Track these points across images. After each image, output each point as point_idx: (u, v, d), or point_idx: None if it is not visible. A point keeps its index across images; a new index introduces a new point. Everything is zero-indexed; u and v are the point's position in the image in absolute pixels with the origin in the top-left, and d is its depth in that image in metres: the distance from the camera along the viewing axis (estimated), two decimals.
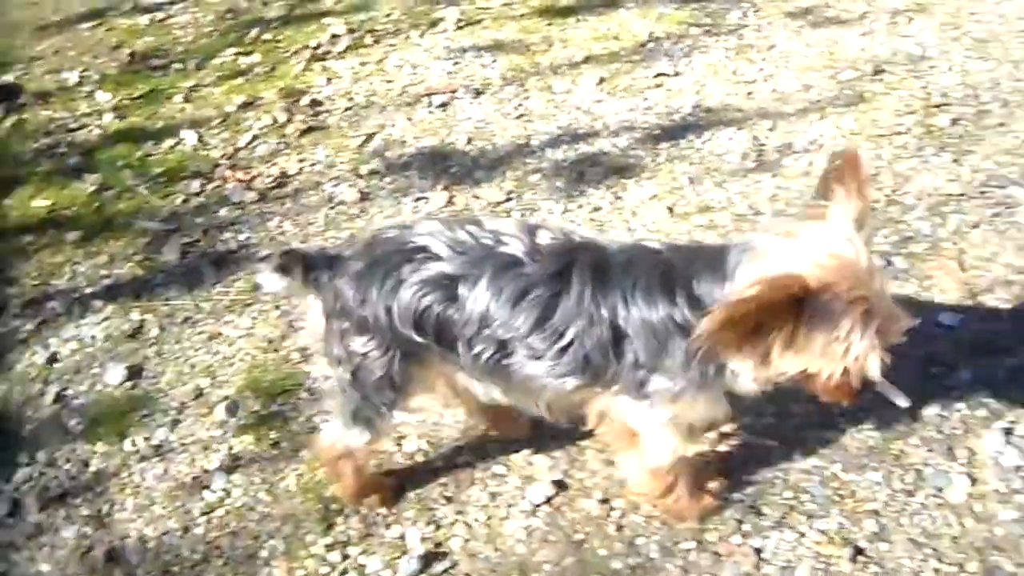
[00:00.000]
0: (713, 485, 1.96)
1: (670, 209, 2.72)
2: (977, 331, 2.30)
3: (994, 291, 2.40)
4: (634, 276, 1.61)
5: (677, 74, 3.30)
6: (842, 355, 1.47)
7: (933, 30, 3.47)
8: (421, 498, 2.06)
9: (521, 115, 3.17)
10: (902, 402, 1.84)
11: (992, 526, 1.92)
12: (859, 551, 1.89)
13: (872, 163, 2.74)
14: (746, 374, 1.60)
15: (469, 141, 3.08)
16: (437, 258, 1.63)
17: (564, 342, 1.62)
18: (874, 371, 1.49)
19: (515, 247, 1.65)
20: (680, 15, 3.64)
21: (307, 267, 1.72)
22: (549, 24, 3.69)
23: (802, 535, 1.93)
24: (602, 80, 3.30)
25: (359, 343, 1.70)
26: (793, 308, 1.44)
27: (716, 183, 2.75)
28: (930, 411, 2.12)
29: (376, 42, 3.72)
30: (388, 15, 3.90)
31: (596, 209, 2.77)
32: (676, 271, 1.60)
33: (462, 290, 1.62)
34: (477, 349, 1.65)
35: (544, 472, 2.07)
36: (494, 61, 3.48)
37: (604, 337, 1.61)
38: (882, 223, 2.57)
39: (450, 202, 2.82)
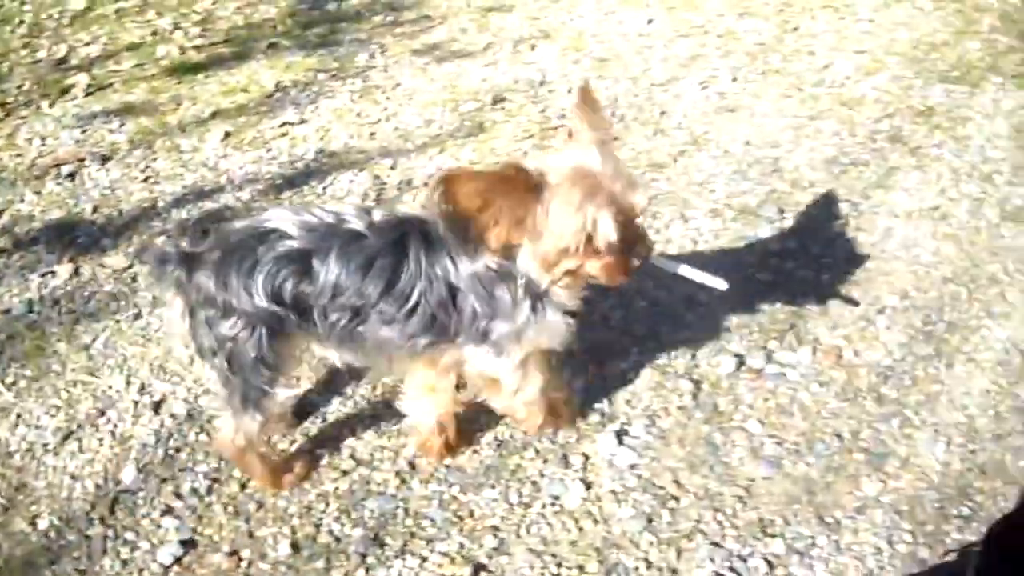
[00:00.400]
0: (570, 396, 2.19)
1: None
2: (590, 339, 2.35)
3: (605, 299, 2.42)
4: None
5: (303, 121, 3.20)
6: (579, 227, 1.63)
7: (555, 55, 3.50)
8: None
9: (148, 177, 3.03)
10: (720, 285, 1.89)
11: (610, 526, 1.99)
12: (480, 567, 1.92)
13: None
14: (536, 275, 1.77)
15: (95, 209, 2.92)
16: (289, 237, 1.72)
17: (411, 304, 1.76)
18: (609, 231, 1.64)
19: (356, 223, 1.76)
20: (309, 61, 3.55)
21: (163, 261, 1.78)
22: (179, 82, 3.54)
23: (424, 559, 1.94)
24: (228, 135, 3.16)
25: (226, 327, 1.75)
26: (525, 192, 1.64)
27: None
28: None
29: (7, 115, 3.47)
30: (20, 86, 3.65)
31: None
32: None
33: (315, 263, 1.72)
34: (333, 318, 1.76)
35: (172, 533, 1.99)
36: (123, 125, 3.32)
37: (443, 294, 1.75)
38: None
39: (76, 273, 2.65)
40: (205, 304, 1.77)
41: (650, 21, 3.85)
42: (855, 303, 2.55)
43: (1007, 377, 2.38)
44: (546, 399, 2.05)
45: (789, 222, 2.78)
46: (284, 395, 1.91)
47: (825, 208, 2.85)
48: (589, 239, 1.66)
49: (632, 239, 1.72)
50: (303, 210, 1.81)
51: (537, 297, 1.80)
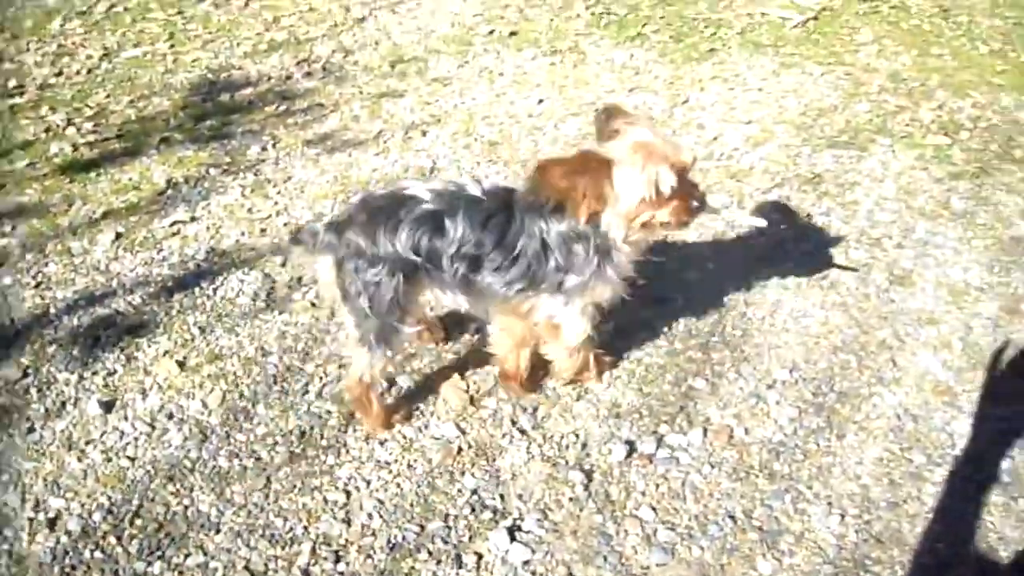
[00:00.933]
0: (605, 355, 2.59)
1: (181, 364, 2.59)
2: (477, 436, 2.39)
3: (492, 394, 2.49)
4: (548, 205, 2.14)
5: (194, 219, 3.18)
6: (646, 181, 2.12)
7: (446, 140, 3.53)
8: None
9: (40, 283, 2.97)
10: (759, 223, 2.46)
11: None
12: None
13: None
14: (617, 233, 2.23)
15: None
16: (424, 201, 2.17)
17: (514, 254, 2.20)
18: (669, 180, 2.13)
19: (474, 190, 2.23)
20: (201, 156, 3.53)
21: (314, 233, 2.24)
22: (71, 181, 3.51)
23: None
24: (119, 235, 3.11)
25: (371, 273, 2.17)
26: (599, 169, 2.14)
27: (227, 329, 2.66)
28: (435, 524, 2.19)
29: None
30: None
31: (111, 374, 2.62)
32: None
33: (446, 221, 2.16)
34: (456, 265, 2.19)
35: None
36: (14, 228, 3.25)
37: (538, 248, 2.19)
38: None
39: None
40: (354, 256, 2.17)
41: (541, 101, 3.88)
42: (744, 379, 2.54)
43: (900, 443, 2.41)
44: (586, 353, 2.45)
45: (679, 302, 2.80)
46: (410, 331, 2.29)
47: (714, 284, 2.88)
48: (656, 191, 2.11)
49: (688, 188, 2.19)
50: (431, 181, 2.30)
51: (603, 256, 2.23)
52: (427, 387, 2.48)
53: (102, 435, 2.37)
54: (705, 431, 2.40)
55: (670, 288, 2.85)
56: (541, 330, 2.36)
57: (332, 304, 2.42)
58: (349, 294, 2.21)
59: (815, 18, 4.97)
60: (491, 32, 4.62)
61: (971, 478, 2.30)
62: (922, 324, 2.82)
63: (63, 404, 2.47)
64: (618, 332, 2.65)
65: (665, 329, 2.68)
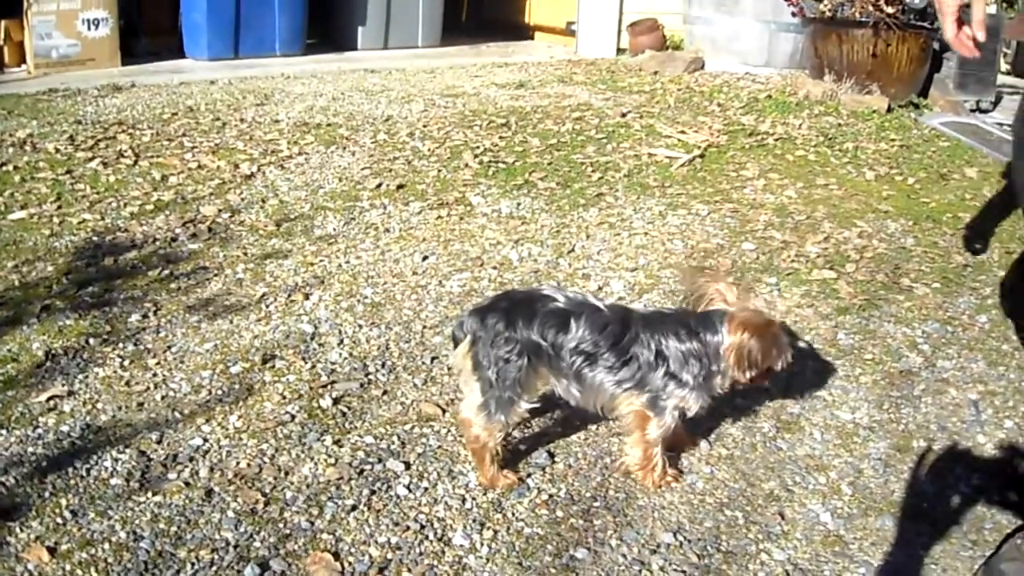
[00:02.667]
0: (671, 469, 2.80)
1: (52, 550, 2.48)
2: None
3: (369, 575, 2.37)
4: (669, 323, 2.63)
5: (71, 393, 3.09)
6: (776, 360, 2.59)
7: (329, 303, 3.49)
8: None
9: None
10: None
11: None
12: None
13: (255, 461, 2.60)
14: (727, 380, 2.66)
15: None
16: (556, 300, 2.57)
17: (627, 357, 2.56)
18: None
19: (599, 303, 2.61)
20: (81, 325, 3.45)
21: (461, 323, 2.65)
22: None
23: None
24: None
25: (504, 351, 2.52)
26: (768, 339, 2.51)
27: (99, 512, 2.55)
28: None
29: None
30: None
31: None
32: (690, 322, 2.62)
33: (571, 320, 2.54)
34: (573, 358, 2.55)
35: None
36: None
37: (651, 358, 2.56)
38: (261, 524, 2.52)
39: None
40: (492, 335, 2.51)
41: (425, 258, 3.89)
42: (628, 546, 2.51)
43: None
44: (658, 456, 2.72)
45: (560, 466, 2.77)
46: (525, 406, 2.61)
47: (595, 446, 2.87)
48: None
49: None
50: (566, 290, 2.76)
51: (709, 376, 2.60)
52: (298, 570, 2.39)
53: None
54: None
55: (554, 450, 2.83)
56: (629, 421, 2.66)
57: (459, 376, 2.70)
58: (480, 364, 2.53)
59: (701, 155, 5.07)
60: (378, 186, 4.65)
61: None
62: (810, 471, 2.82)
63: None
64: (496, 502, 2.60)
65: (547, 495, 2.64)
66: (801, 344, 3.37)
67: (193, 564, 2.38)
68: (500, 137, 5.56)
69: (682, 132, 5.74)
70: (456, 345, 2.61)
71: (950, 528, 2.62)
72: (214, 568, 2.36)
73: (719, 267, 2.81)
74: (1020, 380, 3.34)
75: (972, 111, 7.19)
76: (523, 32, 9.59)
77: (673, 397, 2.59)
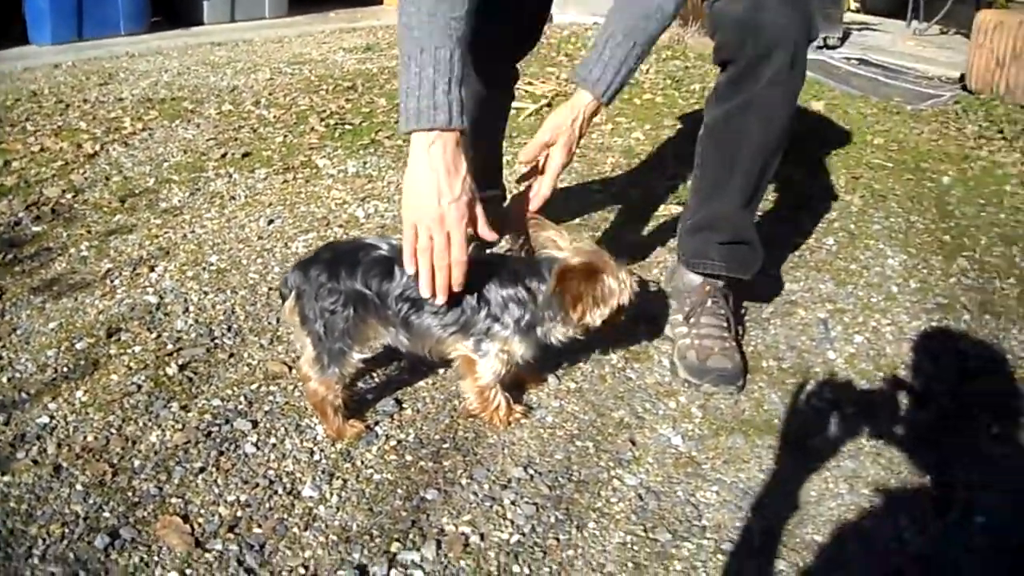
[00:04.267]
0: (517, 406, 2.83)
1: None
2: None
3: (218, 535, 2.39)
4: (494, 268, 2.59)
5: None
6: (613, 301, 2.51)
7: (174, 273, 3.47)
8: None
9: None
10: None
11: None
12: None
13: (101, 434, 2.59)
14: (567, 327, 2.62)
15: None
16: (380, 248, 2.52)
17: (452, 301, 2.47)
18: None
19: None
20: None
21: (285, 279, 2.62)
22: None
23: None
24: None
25: (328, 303, 2.47)
26: (596, 283, 2.44)
27: None
28: None
29: None
30: None
31: None
32: (516, 268, 2.60)
33: (395, 267, 2.47)
34: (400, 305, 2.51)
35: None
36: None
37: (474, 302, 2.52)
38: (110, 495, 2.51)
39: None
40: (314, 287, 2.47)
41: (271, 221, 3.88)
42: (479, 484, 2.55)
43: (643, 523, 2.44)
44: (498, 396, 2.73)
45: (408, 412, 2.83)
46: (358, 357, 2.58)
47: (443, 390, 2.92)
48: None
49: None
50: (390, 238, 2.60)
51: (533, 322, 2.56)
52: (148, 535, 2.37)
53: None
54: (439, 543, 2.36)
55: (401, 397, 2.86)
56: (459, 365, 2.66)
57: (292, 332, 2.79)
58: (307, 318, 2.50)
59: (548, 105, 5.10)
60: (223, 155, 4.61)
61: (719, 548, 2.35)
62: (660, 398, 2.90)
63: None
64: (345, 452, 2.62)
65: (395, 441, 2.67)
66: (648, 278, 3.42)
67: (44, 540, 2.37)
68: (347, 100, 5.56)
69: (529, 84, 5.77)
70: (284, 301, 2.60)
71: (799, 440, 2.75)
72: (65, 542, 2.35)
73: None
74: (868, 296, 3.46)
75: (819, 48, 7.34)
76: None
77: (496, 340, 2.57)
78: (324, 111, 5.36)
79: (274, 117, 5.28)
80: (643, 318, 3.19)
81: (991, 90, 6.09)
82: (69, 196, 4.20)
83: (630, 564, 2.33)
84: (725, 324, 2.78)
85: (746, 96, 2.60)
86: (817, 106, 5.67)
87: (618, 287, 2.49)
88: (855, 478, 2.63)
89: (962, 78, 6.56)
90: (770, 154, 2.61)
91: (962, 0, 8.47)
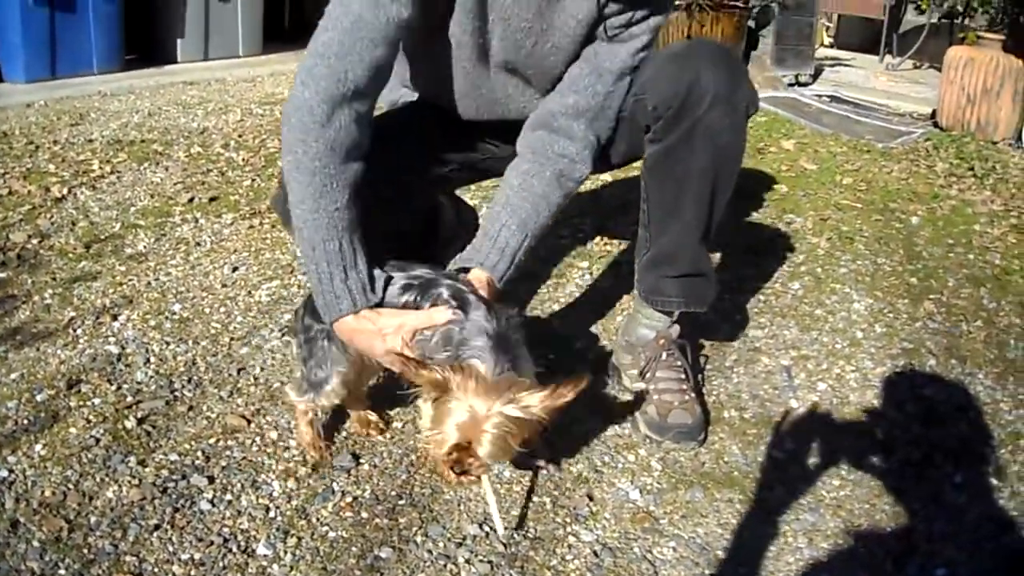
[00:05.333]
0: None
1: None
2: None
3: None
4: None
5: None
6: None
7: (136, 322, 3.47)
8: None
9: None
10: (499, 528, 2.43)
11: None
12: None
13: (59, 488, 2.59)
14: None
15: None
16: None
17: None
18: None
19: None
20: None
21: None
22: None
23: None
24: None
25: (315, 329, 2.52)
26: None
27: None
28: None
29: None
30: None
31: None
32: None
33: None
34: None
35: None
36: None
37: None
38: (66, 551, 2.50)
39: None
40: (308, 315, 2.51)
41: (235, 268, 3.88)
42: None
43: None
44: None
45: (365, 467, 2.83)
46: (332, 386, 2.61)
47: (400, 444, 2.94)
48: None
49: None
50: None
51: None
52: None
53: None
54: None
55: (359, 451, 2.88)
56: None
57: None
58: (298, 336, 2.62)
59: None
60: (190, 200, 4.62)
61: None
62: (619, 451, 2.88)
63: None
64: (301, 509, 2.64)
65: (351, 498, 2.67)
66: (613, 326, 3.43)
67: None
68: None
69: None
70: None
71: (760, 493, 2.76)
72: None
73: None
74: (833, 342, 3.47)
75: (791, 85, 7.42)
76: None
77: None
78: None
79: (243, 160, 5.29)
80: (602, 371, 3.17)
81: (962, 127, 6.16)
82: (35, 241, 4.20)
83: None
84: (683, 376, 2.76)
85: (686, 126, 2.50)
86: (787, 144, 5.71)
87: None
88: (814, 532, 2.63)
89: (933, 114, 6.61)
90: (719, 179, 2.52)
91: (935, 34, 8.56)
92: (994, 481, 2.78)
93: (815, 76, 7.98)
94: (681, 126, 2.51)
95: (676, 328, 3.05)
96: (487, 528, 2.58)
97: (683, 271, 2.72)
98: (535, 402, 2.06)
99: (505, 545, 2.53)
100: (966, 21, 9.25)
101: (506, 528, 2.50)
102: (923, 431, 2.86)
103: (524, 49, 2.63)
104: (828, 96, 7.31)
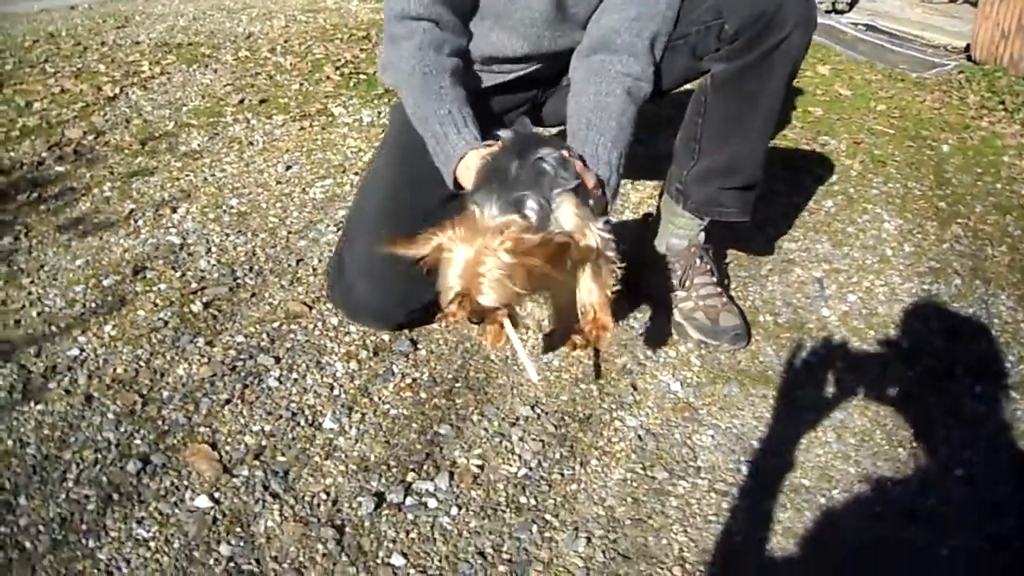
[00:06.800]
0: None
1: None
2: (231, 504, 2.46)
3: (244, 462, 2.56)
4: None
5: None
6: None
7: (196, 215, 3.60)
8: None
9: None
10: (533, 376, 2.52)
11: None
12: None
13: (131, 366, 2.77)
14: None
15: None
16: None
17: None
18: None
19: None
20: None
21: None
22: None
23: None
24: None
25: None
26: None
27: None
28: None
29: None
30: None
31: None
32: None
33: None
34: None
35: None
36: None
37: None
38: (141, 423, 2.66)
39: None
40: None
41: (289, 167, 4.00)
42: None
43: (642, 462, 2.58)
44: None
45: (422, 352, 2.96)
46: None
47: (455, 332, 3.04)
48: None
49: None
50: None
51: None
52: (178, 461, 2.52)
53: None
54: (451, 474, 2.52)
55: (416, 338, 3.01)
56: None
57: None
58: None
59: None
60: (241, 101, 4.72)
61: (712, 488, 2.51)
62: (661, 346, 3.01)
63: None
64: (363, 388, 2.77)
65: (410, 379, 2.81)
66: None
67: (78, 464, 2.51)
68: (361, 49, 5.66)
69: None
70: None
71: (791, 391, 2.88)
72: (98, 467, 2.50)
73: None
74: (864, 258, 3.59)
75: (828, 12, 7.41)
76: None
77: None
78: (339, 60, 5.46)
79: (290, 65, 5.38)
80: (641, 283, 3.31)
81: (995, 61, 6.18)
82: (91, 138, 4.31)
83: (629, 499, 2.48)
84: (717, 279, 2.89)
85: (767, 46, 2.50)
86: (823, 70, 5.77)
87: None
88: (842, 428, 2.77)
89: (967, 48, 6.64)
90: (786, 94, 2.64)
91: None
92: (1012, 394, 2.80)
93: (852, 4, 7.97)
94: (762, 47, 2.51)
95: (703, 235, 3.15)
96: (539, 411, 2.72)
97: (743, 182, 2.76)
98: (531, 241, 1.98)
99: (555, 426, 2.64)
100: None
101: (539, 374, 2.62)
102: (946, 345, 2.97)
103: None
104: (864, 24, 7.32)
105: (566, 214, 2.12)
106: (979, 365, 2.88)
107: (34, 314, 3.09)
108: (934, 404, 2.87)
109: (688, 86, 2.96)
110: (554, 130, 3.11)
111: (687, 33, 2.61)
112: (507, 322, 2.34)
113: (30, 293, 3.20)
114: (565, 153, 2.19)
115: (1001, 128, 5.03)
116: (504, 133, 2.42)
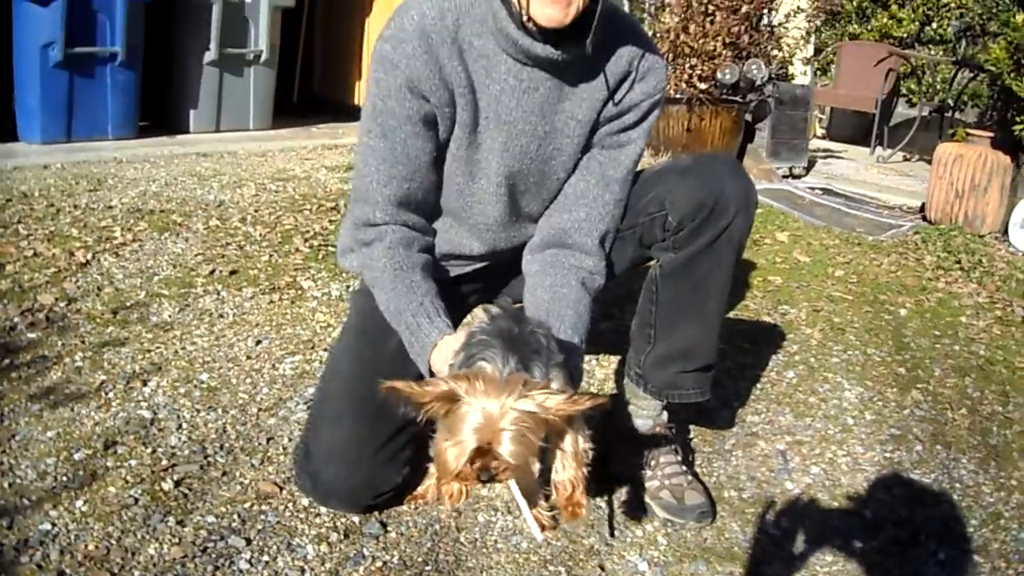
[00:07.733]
0: None
1: None
2: None
3: None
4: None
5: None
6: None
7: (166, 389, 3.65)
8: None
9: None
10: (536, 535, 2.51)
11: None
12: None
13: (102, 543, 2.78)
14: None
15: None
16: None
17: None
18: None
19: None
20: None
21: None
22: None
23: None
24: None
25: None
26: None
27: None
28: None
29: None
30: None
31: None
32: None
33: None
34: None
35: None
36: None
37: None
38: None
39: None
40: None
41: (259, 342, 4.06)
42: None
43: None
44: None
45: (392, 535, 2.99)
46: None
47: (425, 515, 3.07)
48: None
49: None
50: None
51: None
52: None
53: None
54: None
55: (386, 520, 3.04)
56: None
57: None
58: None
59: None
60: (212, 272, 4.80)
61: None
62: (628, 526, 3.09)
63: None
64: (334, 572, 2.82)
65: (381, 563, 2.84)
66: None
67: None
68: (330, 220, 5.78)
69: None
70: None
71: (758, 568, 2.92)
72: None
73: None
74: (826, 428, 3.70)
75: (785, 177, 7.67)
76: (353, 113, 9.68)
77: None
78: (308, 231, 5.58)
79: (260, 235, 5.48)
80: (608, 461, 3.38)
81: (950, 220, 6.45)
82: (62, 304, 4.37)
83: None
84: (682, 458, 2.98)
85: (711, 235, 2.63)
86: (782, 236, 5.96)
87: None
88: None
89: (922, 208, 6.89)
90: (732, 277, 2.74)
91: (925, 127, 8.89)
92: (976, 558, 2.98)
93: (808, 168, 8.25)
94: (706, 235, 2.61)
95: (666, 413, 3.25)
96: None
97: (700, 365, 2.81)
98: (550, 401, 2.00)
99: None
100: (956, 115, 9.60)
101: (543, 533, 2.64)
102: (909, 512, 3.02)
103: (528, 155, 2.62)
104: (820, 189, 7.58)
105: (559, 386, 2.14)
106: (942, 529, 2.95)
107: (5, 485, 3.11)
108: (899, 573, 2.92)
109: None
110: None
111: (634, 224, 2.73)
112: (513, 483, 2.37)
113: (1, 463, 3.20)
114: (550, 329, 2.27)
115: (957, 288, 5.22)
116: (491, 307, 2.55)
